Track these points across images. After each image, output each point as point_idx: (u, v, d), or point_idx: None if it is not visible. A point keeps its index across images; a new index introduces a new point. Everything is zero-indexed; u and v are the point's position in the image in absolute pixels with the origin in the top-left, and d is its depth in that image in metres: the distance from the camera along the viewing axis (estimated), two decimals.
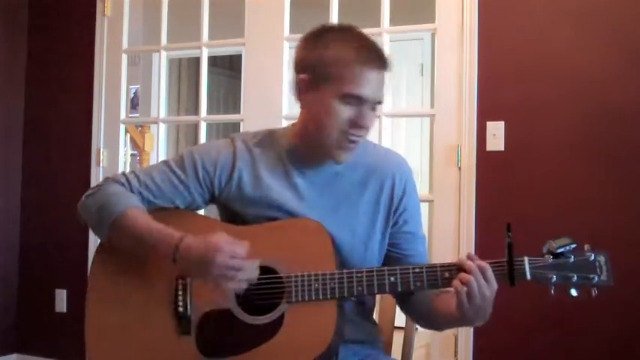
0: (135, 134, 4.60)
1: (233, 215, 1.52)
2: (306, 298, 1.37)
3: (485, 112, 2.67)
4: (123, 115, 3.46)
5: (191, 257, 1.34)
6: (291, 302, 1.38)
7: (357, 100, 1.39)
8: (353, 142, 1.42)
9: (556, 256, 1.33)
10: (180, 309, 1.41)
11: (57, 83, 3.57)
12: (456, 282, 1.31)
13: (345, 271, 1.39)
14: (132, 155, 4.80)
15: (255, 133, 1.57)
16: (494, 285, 1.31)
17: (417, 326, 1.64)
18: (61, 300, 3.47)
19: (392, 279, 1.37)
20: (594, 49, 2.53)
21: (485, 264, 1.31)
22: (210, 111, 3.88)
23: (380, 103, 1.44)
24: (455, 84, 2.73)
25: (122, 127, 3.48)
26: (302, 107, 1.49)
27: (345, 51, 1.40)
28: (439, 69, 2.81)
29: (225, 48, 4.39)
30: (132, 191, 1.46)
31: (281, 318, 1.38)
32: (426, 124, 4.76)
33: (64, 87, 3.55)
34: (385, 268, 1.39)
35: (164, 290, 1.43)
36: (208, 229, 1.39)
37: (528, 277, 1.33)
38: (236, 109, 6.09)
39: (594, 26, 2.54)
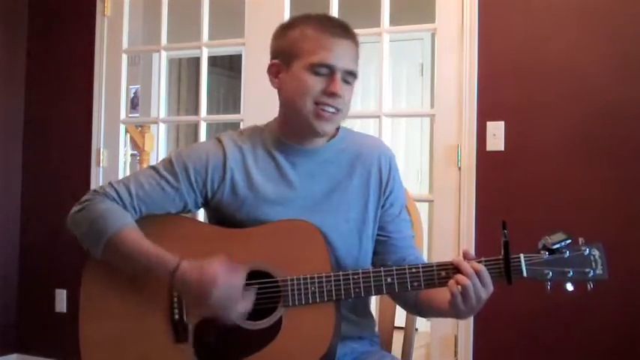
0: (135, 134, 4.60)
1: (223, 219, 1.50)
2: (303, 301, 1.36)
3: (485, 112, 2.67)
4: (123, 115, 3.45)
5: (186, 288, 1.35)
6: (289, 306, 1.37)
7: (327, 69, 1.42)
8: (328, 111, 1.44)
9: (551, 251, 1.33)
10: (176, 316, 1.40)
11: (57, 83, 3.56)
12: (451, 283, 1.31)
13: (341, 272, 1.38)
14: (132, 155, 4.80)
15: (241, 131, 1.58)
16: (491, 288, 1.32)
17: (417, 327, 1.64)
18: (61, 300, 3.47)
19: (389, 280, 1.37)
20: (594, 49, 2.53)
21: (482, 268, 1.31)
22: (210, 111, 3.88)
23: (353, 74, 1.46)
24: (455, 84, 2.73)
25: (122, 127, 3.47)
26: (279, 91, 1.52)
27: (308, 27, 1.46)
28: (439, 69, 2.81)
29: (225, 48, 4.40)
30: (124, 206, 1.43)
31: (279, 322, 1.37)
32: (426, 124, 4.76)
33: (64, 87, 3.55)
34: (381, 268, 1.39)
35: (159, 298, 1.41)
36: (202, 234, 1.42)
37: (525, 274, 1.33)
38: (236, 109, 6.10)
39: (594, 26, 2.54)
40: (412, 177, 4.78)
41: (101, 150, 3.42)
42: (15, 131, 3.63)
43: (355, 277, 1.37)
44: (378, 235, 1.55)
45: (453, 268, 1.34)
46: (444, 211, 2.75)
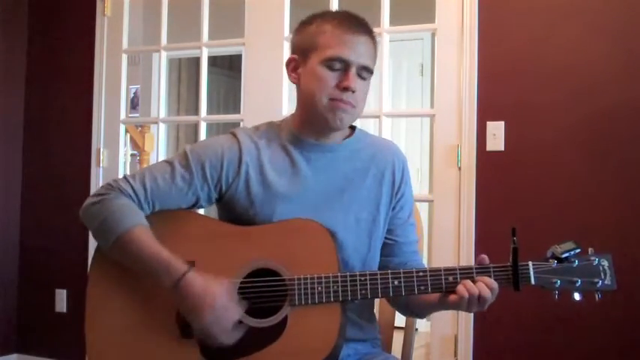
0: (135, 134, 4.60)
1: (235, 214, 1.51)
2: (310, 301, 1.37)
3: (485, 112, 2.67)
4: (123, 115, 3.46)
5: (184, 300, 1.36)
6: (295, 305, 1.37)
7: (341, 64, 1.43)
8: (343, 106, 1.44)
9: (560, 260, 1.33)
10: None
11: (57, 83, 3.57)
12: (460, 288, 1.33)
13: (348, 274, 1.38)
14: (132, 155, 4.80)
15: (257, 127, 1.58)
16: (496, 295, 1.33)
17: (417, 327, 1.65)
18: (61, 300, 3.47)
19: (396, 282, 1.37)
20: (594, 49, 2.53)
21: (494, 283, 1.32)
22: (210, 111, 3.88)
23: (368, 70, 1.47)
24: (455, 84, 2.73)
25: (122, 127, 3.47)
26: (297, 86, 1.53)
27: (326, 22, 1.47)
28: (439, 69, 2.81)
29: (225, 48, 4.39)
30: (140, 204, 1.43)
31: (284, 321, 1.38)
32: (426, 124, 4.76)
33: (63, 87, 3.55)
34: (389, 271, 1.39)
35: (166, 293, 1.40)
36: (212, 231, 1.43)
37: (533, 282, 1.33)
38: (236, 109, 6.09)
39: (594, 26, 2.54)
40: (412, 177, 4.76)
41: (101, 150, 3.42)
42: (15, 131, 3.63)
43: (362, 278, 1.37)
44: (385, 237, 1.56)
45: (461, 274, 1.35)
46: (443, 211, 2.75)
